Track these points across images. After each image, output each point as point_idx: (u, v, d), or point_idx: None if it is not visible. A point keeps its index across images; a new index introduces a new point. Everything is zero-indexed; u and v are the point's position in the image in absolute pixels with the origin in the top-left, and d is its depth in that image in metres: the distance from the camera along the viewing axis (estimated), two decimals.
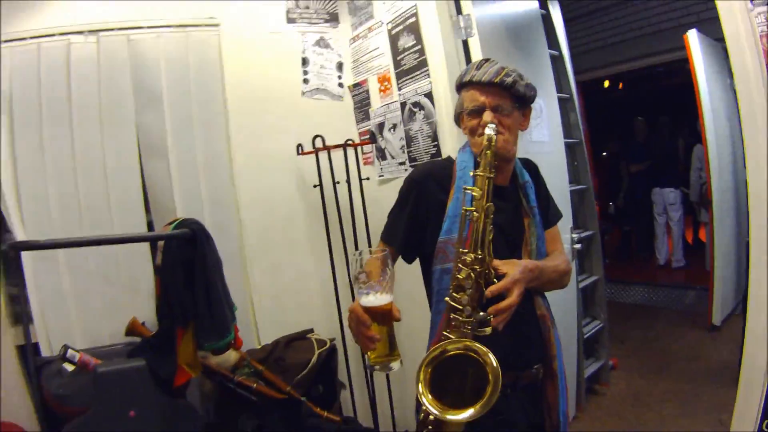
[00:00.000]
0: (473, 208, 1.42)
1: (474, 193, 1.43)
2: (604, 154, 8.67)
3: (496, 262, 1.45)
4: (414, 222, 1.68)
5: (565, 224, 3.22)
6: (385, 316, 1.41)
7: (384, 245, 1.70)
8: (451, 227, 1.58)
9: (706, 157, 4.81)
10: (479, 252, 1.41)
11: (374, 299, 1.39)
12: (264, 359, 2.68)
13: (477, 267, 1.41)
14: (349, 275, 2.93)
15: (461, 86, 1.66)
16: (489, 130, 1.47)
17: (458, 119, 1.72)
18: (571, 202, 3.48)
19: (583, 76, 6.54)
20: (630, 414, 3.60)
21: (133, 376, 2.09)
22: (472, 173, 1.49)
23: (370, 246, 2.95)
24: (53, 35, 2.65)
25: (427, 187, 1.69)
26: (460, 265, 1.43)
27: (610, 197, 8.07)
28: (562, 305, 3.18)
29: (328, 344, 2.78)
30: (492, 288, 1.41)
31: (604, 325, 3.94)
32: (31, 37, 2.61)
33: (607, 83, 8.96)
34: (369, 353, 1.42)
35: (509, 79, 1.56)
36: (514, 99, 1.60)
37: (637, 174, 7.29)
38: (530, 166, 1.83)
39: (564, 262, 1.73)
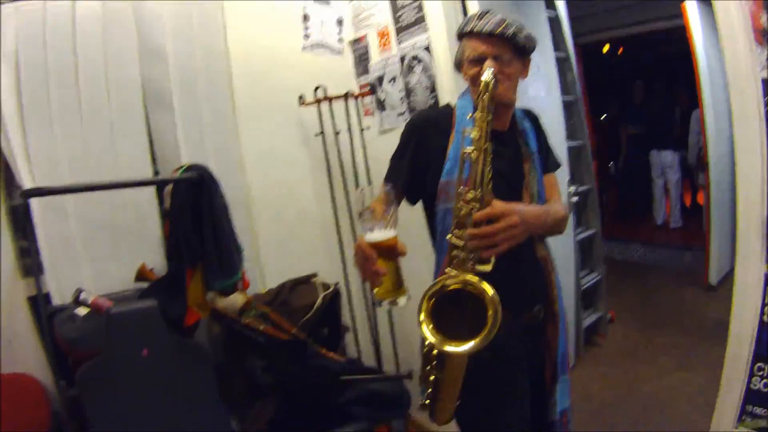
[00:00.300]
0: (472, 148, 1.44)
1: (472, 135, 1.44)
2: (603, 117, 8.67)
3: (495, 202, 1.47)
4: (416, 164, 1.71)
5: (562, 178, 3.26)
6: (390, 251, 1.41)
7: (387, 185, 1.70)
8: (452, 168, 1.61)
9: (702, 122, 4.86)
10: (479, 191, 1.44)
11: (379, 234, 1.40)
12: (270, 302, 2.74)
13: (477, 205, 1.44)
14: (351, 220, 3.02)
15: (462, 35, 1.67)
16: (486, 75, 1.47)
17: (459, 66, 1.74)
18: (568, 158, 3.55)
19: (583, 39, 6.51)
20: (627, 364, 3.69)
21: (146, 316, 2.17)
22: (469, 116, 1.50)
23: None
24: None
25: (427, 131, 1.72)
26: (461, 203, 1.46)
27: (610, 158, 8.13)
28: (560, 256, 3.21)
29: (332, 288, 2.83)
30: (477, 213, 1.43)
31: (601, 277, 4.03)
32: None
33: (606, 48, 8.94)
34: (376, 288, 1.43)
35: (510, 31, 1.57)
36: (514, 49, 1.61)
37: (635, 137, 7.33)
38: (531, 116, 1.88)
39: (562, 209, 1.78)
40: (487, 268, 1.42)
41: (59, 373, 2.25)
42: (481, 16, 1.61)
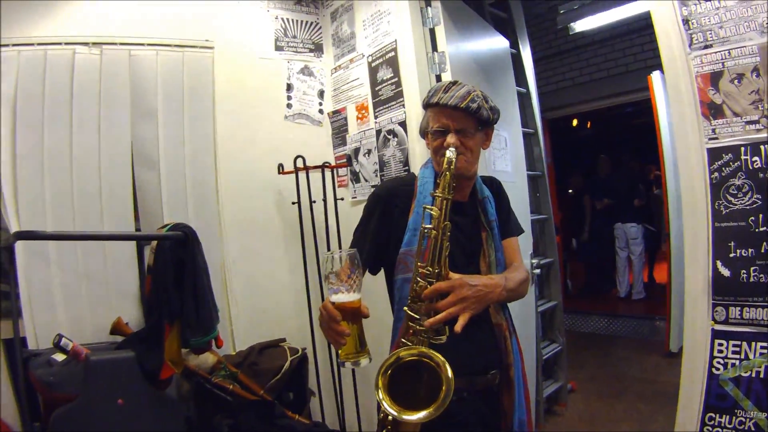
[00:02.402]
0: (431, 226, 1.49)
1: (432, 213, 1.50)
2: (570, 191, 8.83)
3: (451, 275, 1.53)
4: (378, 235, 1.75)
5: (525, 250, 3.41)
6: (354, 313, 1.45)
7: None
8: (411, 239, 1.65)
9: (665, 196, 5.00)
10: (436, 267, 1.49)
11: (344, 297, 1.44)
12: (239, 364, 2.79)
13: (433, 280, 1.49)
14: (321, 288, 3.07)
15: (427, 105, 1.72)
16: (449, 153, 1.54)
17: (423, 134, 1.80)
18: (532, 231, 3.67)
19: (552, 114, 6.73)
20: None
21: (123, 365, 2.22)
22: (432, 193, 1.55)
23: None
24: (60, 44, 2.78)
25: (390, 203, 1.76)
26: (418, 278, 1.51)
27: (575, 232, 8.20)
28: (521, 327, 3.31)
29: (299, 352, 2.90)
30: (427, 290, 1.49)
31: (562, 348, 4.09)
32: (39, 44, 2.73)
33: (575, 122, 9.15)
34: (340, 349, 1.46)
35: (474, 105, 1.62)
36: (477, 122, 1.66)
37: (600, 210, 7.43)
38: (493, 184, 1.93)
39: (524, 272, 1.81)
40: (442, 339, 1.47)
41: (32, 415, 2.26)
42: (447, 88, 1.66)
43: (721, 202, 2.06)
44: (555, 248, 4.13)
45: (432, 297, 1.50)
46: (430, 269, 1.50)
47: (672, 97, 2.19)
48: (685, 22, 2.08)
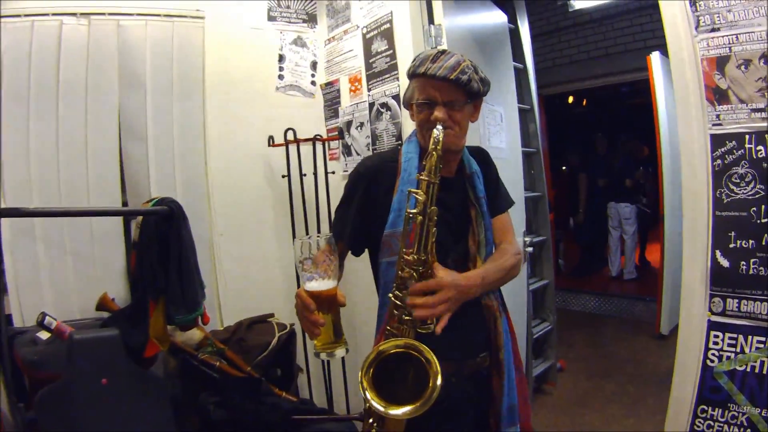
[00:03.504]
0: (416, 211, 1.40)
1: (418, 197, 1.40)
2: (564, 168, 8.80)
3: (437, 266, 1.45)
4: (361, 216, 1.67)
5: (518, 228, 3.36)
6: (330, 302, 1.40)
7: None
8: (395, 220, 1.57)
9: (660, 176, 4.97)
10: (422, 254, 1.41)
11: (318, 284, 1.38)
12: (226, 340, 2.76)
13: (420, 268, 1.42)
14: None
15: (414, 76, 1.60)
16: (436, 132, 1.44)
17: (407, 105, 1.69)
18: (525, 208, 3.62)
19: (548, 90, 6.64)
20: (576, 413, 3.71)
21: (107, 344, 2.16)
22: (417, 176, 1.47)
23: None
24: (47, 14, 2.72)
25: (372, 181, 1.68)
26: (404, 265, 1.43)
27: (569, 209, 8.14)
28: (512, 305, 3.29)
29: (288, 328, 2.86)
30: (415, 286, 1.41)
31: (552, 326, 4.08)
32: (26, 15, 2.68)
33: (571, 99, 9.12)
34: (314, 340, 1.41)
35: (465, 77, 1.52)
36: (467, 94, 1.57)
37: (595, 188, 7.40)
38: (481, 154, 1.83)
39: (512, 256, 1.72)
40: (429, 328, 1.41)
41: (16, 395, 2.25)
42: (435, 57, 1.56)
43: (722, 190, 2.01)
44: (548, 226, 4.11)
45: (418, 293, 1.42)
46: (416, 257, 1.42)
47: (676, 80, 2.12)
48: (693, 3, 2.00)
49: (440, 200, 1.45)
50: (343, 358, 3.08)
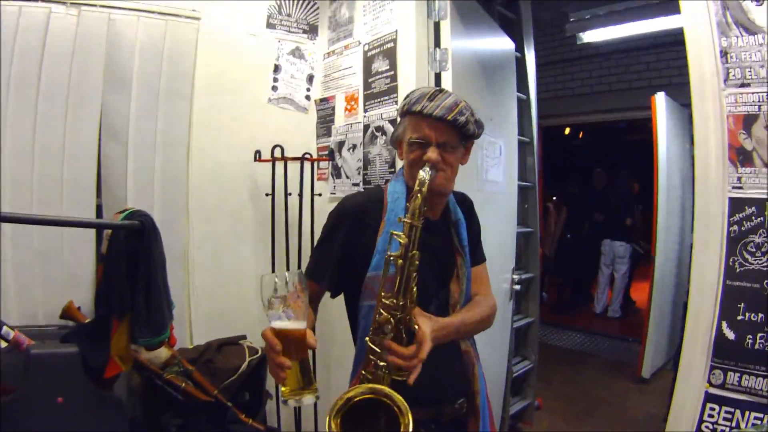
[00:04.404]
0: (397, 254, 1.38)
1: (400, 240, 1.37)
2: (555, 198, 8.74)
3: (416, 312, 1.41)
4: (343, 257, 1.62)
5: (507, 265, 3.29)
6: (298, 343, 1.33)
7: (310, 282, 1.55)
8: (379, 263, 1.51)
9: (654, 216, 4.91)
10: (401, 299, 1.37)
11: (286, 324, 1.31)
12: (194, 360, 2.66)
13: (398, 313, 1.38)
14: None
15: (407, 113, 1.56)
16: (422, 173, 1.42)
17: (395, 143, 1.67)
18: (516, 243, 3.54)
19: (547, 122, 6.64)
20: None
21: (65, 362, 2.06)
22: (399, 219, 1.43)
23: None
24: (36, 0, 2.62)
25: (357, 221, 1.63)
26: (381, 309, 1.39)
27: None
28: (494, 342, 3.24)
29: (259, 353, 2.77)
30: (395, 349, 1.35)
31: (533, 365, 4.00)
32: None
33: (568, 131, 9.14)
34: (281, 385, 1.34)
35: (462, 118, 1.50)
36: (461, 136, 1.55)
37: (592, 223, 7.35)
38: (465, 203, 1.81)
39: (488, 308, 1.71)
40: (404, 376, 1.36)
41: None
42: (432, 96, 1.52)
43: (736, 258, 1.89)
44: (537, 263, 4.02)
45: (394, 351, 1.36)
46: (394, 301, 1.38)
47: (698, 134, 2.00)
48: (723, 54, 1.89)
49: (426, 243, 1.44)
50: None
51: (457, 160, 1.59)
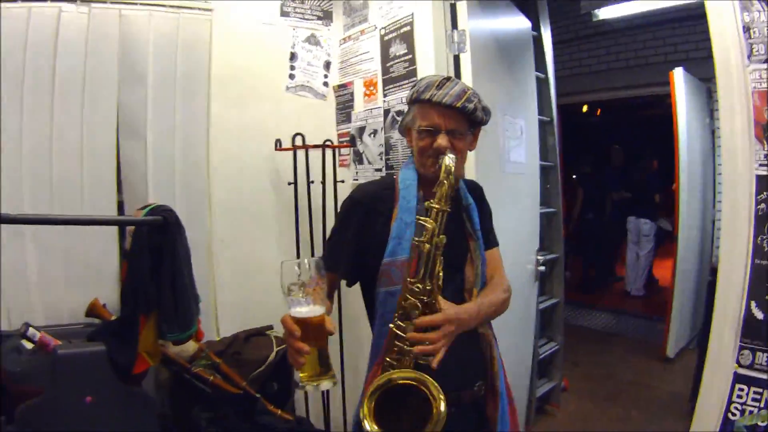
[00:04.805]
0: (424, 239, 1.39)
1: (427, 225, 1.40)
2: (575, 177, 8.69)
3: (440, 298, 1.44)
4: (358, 245, 1.65)
5: (532, 246, 3.27)
6: (317, 330, 1.33)
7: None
8: (395, 249, 1.56)
9: (676, 194, 4.88)
10: (428, 284, 1.40)
11: (305, 310, 1.32)
12: (222, 352, 2.67)
13: (425, 298, 1.40)
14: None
15: (416, 101, 1.61)
16: (448, 160, 1.46)
17: (404, 132, 1.71)
18: (540, 224, 3.52)
19: (565, 100, 6.51)
20: None
21: (92, 360, 2.06)
22: (428, 204, 1.45)
23: None
24: (45, 0, 2.61)
25: (370, 209, 1.66)
26: (408, 295, 1.41)
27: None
28: (520, 324, 3.24)
29: None
30: (421, 320, 1.39)
31: (559, 347, 4.00)
32: (23, 0, 2.56)
33: (585, 108, 9.08)
34: (300, 371, 1.34)
35: (471, 105, 1.54)
36: (469, 122, 1.59)
37: (615, 202, 7.32)
38: (477, 190, 1.85)
39: (503, 291, 1.73)
40: (430, 360, 1.37)
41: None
42: (441, 84, 1.56)
43: (764, 237, 1.87)
44: (561, 243, 3.99)
45: (424, 327, 1.39)
46: (420, 286, 1.39)
47: (722, 112, 1.97)
48: (746, 29, 1.85)
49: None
50: (342, 375, 3.00)
51: (466, 147, 1.63)
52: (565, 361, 4.18)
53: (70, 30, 2.65)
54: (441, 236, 1.40)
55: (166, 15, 2.86)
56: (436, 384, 1.32)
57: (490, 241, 1.81)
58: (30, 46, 2.58)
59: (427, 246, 1.39)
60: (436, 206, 1.41)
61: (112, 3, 2.73)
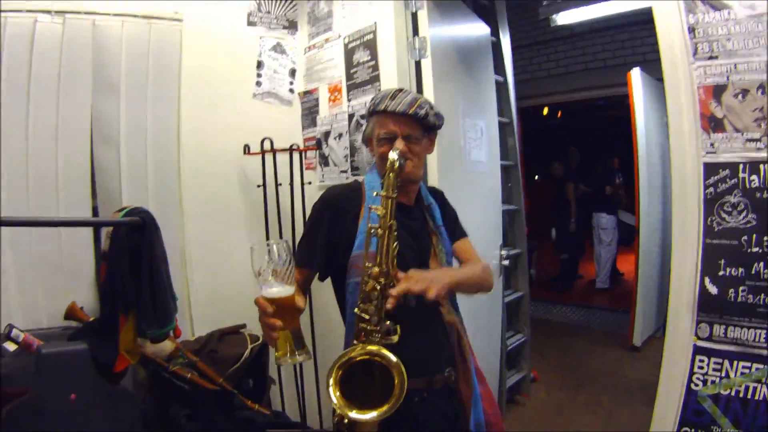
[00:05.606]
0: (377, 226, 1.53)
1: (378, 212, 1.53)
2: (537, 177, 8.83)
3: (399, 274, 1.52)
4: (328, 242, 1.75)
5: (495, 241, 3.38)
6: (288, 308, 1.44)
7: (299, 269, 1.67)
8: (363, 242, 1.64)
9: (636, 189, 5.03)
10: (384, 266, 1.52)
11: (276, 290, 1.43)
12: (198, 351, 2.71)
13: (382, 279, 1.51)
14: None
15: (373, 113, 1.77)
16: (392, 155, 1.58)
17: (367, 142, 1.85)
18: (503, 222, 3.64)
19: (525, 103, 6.61)
20: (549, 424, 3.74)
21: (76, 359, 2.09)
22: (375, 194, 1.59)
23: None
24: (20, 11, 2.64)
25: (339, 208, 1.77)
26: (366, 278, 1.53)
27: (548, 219, 8.12)
28: (487, 317, 3.34)
29: (260, 340, 2.82)
30: (391, 291, 1.46)
31: (526, 338, 4.09)
32: None
33: (546, 111, 9.20)
34: (275, 349, 1.46)
35: (422, 111, 1.69)
36: (423, 128, 1.74)
37: (578, 198, 7.43)
38: (437, 193, 1.99)
39: (482, 268, 1.85)
40: (394, 339, 1.50)
41: None
42: (394, 95, 1.72)
43: (714, 218, 2.02)
44: (524, 239, 4.11)
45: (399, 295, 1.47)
46: (377, 270, 1.52)
47: (671, 107, 2.13)
48: (691, 30, 2.02)
49: (402, 225, 1.63)
50: (316, 369, 3.06)
51: (423, 150, 1.79)
52: (533, 353, 4.27)
53: (44, 39, 2.70)
54: (392, 221, 1.53)
55: (138, 25, 2.91)
56: (390, 353, 1.44)
57: (457, 234, 1.96)
58: (5, 57, 2.62)
59: (380, 231, 1.52)
60: (384, 194, 1.55)
61: (86, 13, 2.78)
